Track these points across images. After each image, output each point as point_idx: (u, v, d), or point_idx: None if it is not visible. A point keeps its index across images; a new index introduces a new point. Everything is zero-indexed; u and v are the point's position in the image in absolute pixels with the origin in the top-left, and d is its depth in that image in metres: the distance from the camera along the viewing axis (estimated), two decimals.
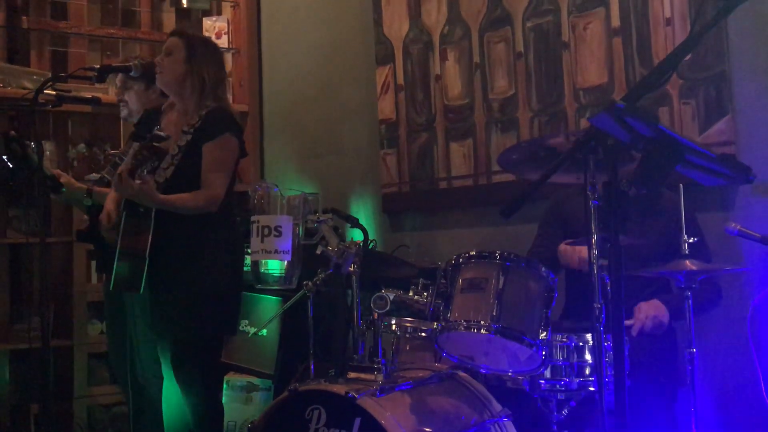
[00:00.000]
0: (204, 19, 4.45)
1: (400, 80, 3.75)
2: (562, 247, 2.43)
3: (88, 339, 3.76)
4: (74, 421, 3.65)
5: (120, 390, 3.54)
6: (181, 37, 2.67)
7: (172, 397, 2.71)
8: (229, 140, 2.62)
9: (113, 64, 2.82)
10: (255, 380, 3.39)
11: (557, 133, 2.16)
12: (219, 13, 4.52)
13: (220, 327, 2.74)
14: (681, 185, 2.08)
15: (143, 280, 2.54)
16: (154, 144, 2.44)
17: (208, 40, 2.84)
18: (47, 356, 2.48)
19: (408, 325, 2.47)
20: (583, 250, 2.35)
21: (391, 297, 2.25)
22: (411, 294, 2.26)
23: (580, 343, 2.14)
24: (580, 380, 2.13)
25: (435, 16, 3.61)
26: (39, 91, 2.50)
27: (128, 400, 3.25)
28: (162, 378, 2.76)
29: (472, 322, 2.05)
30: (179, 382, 2.64)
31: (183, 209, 2.54)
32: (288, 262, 2.47)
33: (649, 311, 2.29)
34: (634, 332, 2.26)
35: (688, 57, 2.56)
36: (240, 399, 3.33)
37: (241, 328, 3.36)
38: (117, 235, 2.57)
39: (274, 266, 2.50)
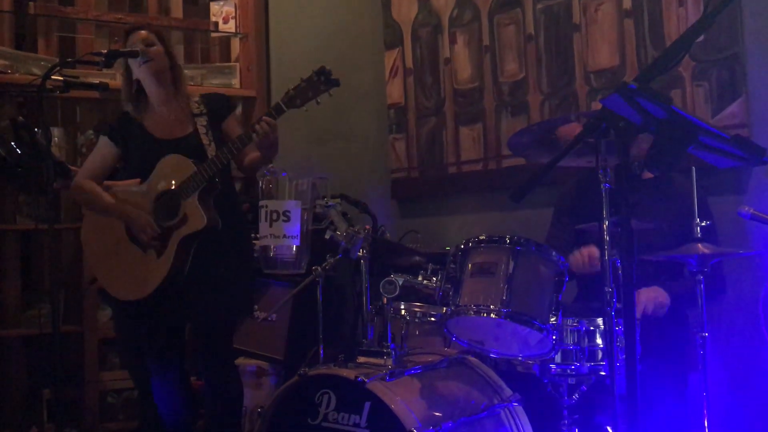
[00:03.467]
0: (211, 3, 4.42)
1: (409, 64, 3.72)
2: (571, 258, 2.39)
3: (99, 325, 3.78)
4: (85, 405, 3.68)
5: (129, 376, 3.56)
6: (151, 31, 2.71)
7: (164, 394, 2.72)
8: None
9: (120, 50, 2.81)
10: (265, 365, 3.40)
11: (567, 117, 2.13)
12: None
13: (247, 308, 2.83)
14: (693, 168, 2.06)
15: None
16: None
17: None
18: (58, 342, 2.48)
19: (417, 310, 2.46)
20: (591, 250, 2.33)
21: (401, 282, 2.24)
22: (420, 279, 2.25)
23: (591, 328, 2.13)
24: (591, 365, 2.12)
25: None
26: (46, 77, 2.49)
27: (137, 387, 3.28)
28: None
29: (481, 307, 2.04)
30: (213, 365, 2.67)
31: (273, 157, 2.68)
32: (297, 247, 2.47)
33: (649, 294, 2.28)
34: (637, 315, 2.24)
35: (701, 38, 2.53)
36: (250, 384, 3.34)
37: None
38: (207, 214, 2.55)
39: (283, 251, 2.49)
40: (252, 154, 2.69)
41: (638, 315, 2.24)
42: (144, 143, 2.68)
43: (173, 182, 2.59)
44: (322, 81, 2.51)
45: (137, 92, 2.71)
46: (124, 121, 2.73)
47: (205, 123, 2.67)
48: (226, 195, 2.68)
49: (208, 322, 2.62)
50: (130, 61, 2.66)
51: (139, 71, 2.66)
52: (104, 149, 2.74)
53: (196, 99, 2.73)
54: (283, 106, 2.53)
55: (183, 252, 2.57)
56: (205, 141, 2.63)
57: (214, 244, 2.60)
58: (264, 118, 2.52)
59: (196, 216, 2.54)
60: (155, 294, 2.59)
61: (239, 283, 2.67)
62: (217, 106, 2.73)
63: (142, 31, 2.69)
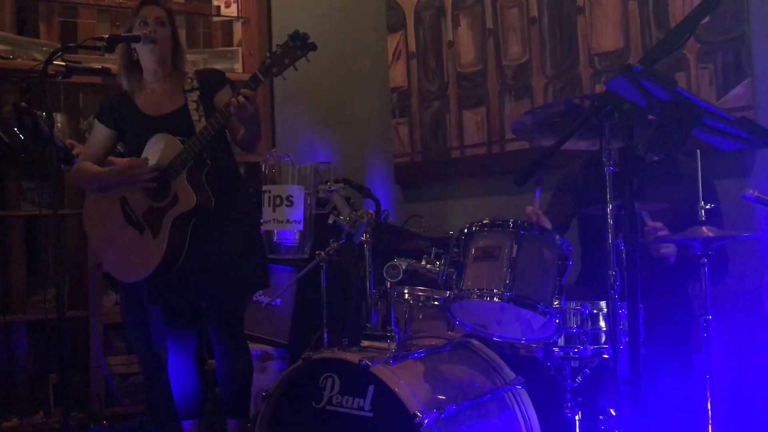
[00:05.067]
0: None
1: (412, 47, 3.70)
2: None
3: (104, 309, 3.80)
4: (91, 390, 3.70)
5: (136, 360, 3.58)
6: (164, 9, 2.69)
7: (179, 371, 2.75)
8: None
9: (122, 34, 2.80)
10: (269, 349, 3.41)
11: (571, 99, 2.12)
12: None
13: (256, 283, 2.82)
14: (698, 151, 2.05)
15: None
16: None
17: None
18: (65, 327, 2.49)
19: (421, 294, 2.47)
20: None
21: (404, 266, 2.24)
22: (423, 263, 2.26)
23: (594, 311, 2.13)
24: (594, 348, 2.12)
25: None
26: (48, 62, 2.48)
27: (143, 371, 3.30)
28: None
29: (485, 290, 2.04)
30: (226, 339, 2.69)
31: (261, 136, 2.66)
32: (300, 231, 2.47)
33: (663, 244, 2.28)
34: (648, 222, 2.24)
35: (706, 20, 2.51)
36: (255, 368, 3.34)
37: (255, 297, 3.38)
38: (197, 193, 2.53)
39: (287, 236, 2.50)
40: (241, 131, 2.66)
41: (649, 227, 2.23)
42: (136, 121, 2.68)
43: (162, 162, 2.58)
44: (297, 46, 2.42)
45: (133, 64, 2.69)
46: (117, 102, 2.72)
47: (196, 98, 2.64)
48: (226, 171, 2.66)
49: (219, 297, 2.64)
50: (135, 32, 2.63)
51: (141, 49, 2.64)
52: (98, 133, 2.75)
53: (190, 75, 2.70)
54: (260, 75, 2.46)
55: (178, 231, 2.56)
56: (195, 117, 2.61)
57: (219, 220, 2.60)
58: (242, 90, 2.46)
59: (185, 195, 2.54)
60: (164, 274, 2.59)
61: (249, 257, 2.66)
62: (210, 80, 2.70)
63: (157, 8, 2.66)
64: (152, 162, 2.59)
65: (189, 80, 2.68)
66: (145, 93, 2.70)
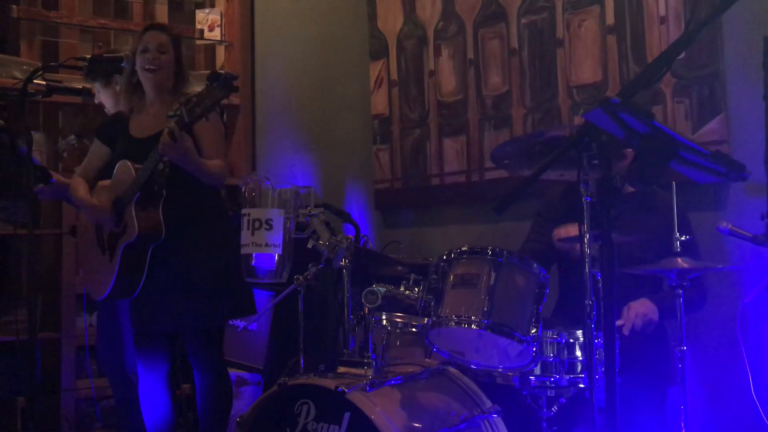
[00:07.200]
0: (197, 11, 4.43)
1: (394, 75, 3.73)
2: (555, 232, 2.41)
3: (76, 332, 3.73)
4: (61, 414, 3.62)
5: (108, 384, 3.52)
6: (168, 35, 2.68)
7: (149, 395, 2.70)
8: (217, 120, 2.67)
9: (104, 55, 2.80)
10: (244, 374, 3.38)
11: (549, 131, 2.15)
12: (212, 5, 4.50)
13: (236, 310, 2.78)
14: (674, 183, 2.08)
15: (141, 282, 2.57)
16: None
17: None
18: (36, 348, 2.46)
19: (399, 320, 2.47)
20: (570, 229, 2.33)
21: (382, 292, 2.24)
22: (402, 289, 2.26)
23: (571, 340, 2.14)
24: (570, 377, 2.13)
25: (429, 10, 3.60)
26: (28, 80, 2.48)
27: (115, 395, 3.24)
28: None
29: (463, 318, 2.04)
30: (205, 367, 2.66)
31: (211, 173, 2.57)
32: (278, 255, 2.46)
33: (639, 309, 2.29)
34: (625, 331, 2.26)
35: (682, 55, 2.56)
36: None
37: (230, 322, 3.34)
38: (141, 224, 2.52)
39: (264, 260, 2.48)
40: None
41: (626, 331, 2.25)
42: (123, 142, 2.69)
43: (120, 189, 2.60)
44: (216, 87, 2.33)
45: (135, 86, 2.69)
46: (115, 121, 2.74)
47: (172, 125, 2.64)
48: (196, 199, 2.64)
49: (195, 326, 2.62)
50: (136, 58, 2.63)
51: (142, 75, 2.65)
52: (94, 148, 2.78)
53: (182, 99, 2.63)
54: (185, 114, 2.36)
55: (130, 259, 2.57)
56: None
57: (191, 247, 2.59)
58: (168, 126, 2.39)
59: (131, 225, 2.55)
60: (121, 298, 2.65)
61: (227, 284, 2.63)
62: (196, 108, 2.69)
63: (161, 35, 2.64)
64: (116, 187, 2.61)
65: (177, 105, 2.59)
66: (141, 115, 2.71)
